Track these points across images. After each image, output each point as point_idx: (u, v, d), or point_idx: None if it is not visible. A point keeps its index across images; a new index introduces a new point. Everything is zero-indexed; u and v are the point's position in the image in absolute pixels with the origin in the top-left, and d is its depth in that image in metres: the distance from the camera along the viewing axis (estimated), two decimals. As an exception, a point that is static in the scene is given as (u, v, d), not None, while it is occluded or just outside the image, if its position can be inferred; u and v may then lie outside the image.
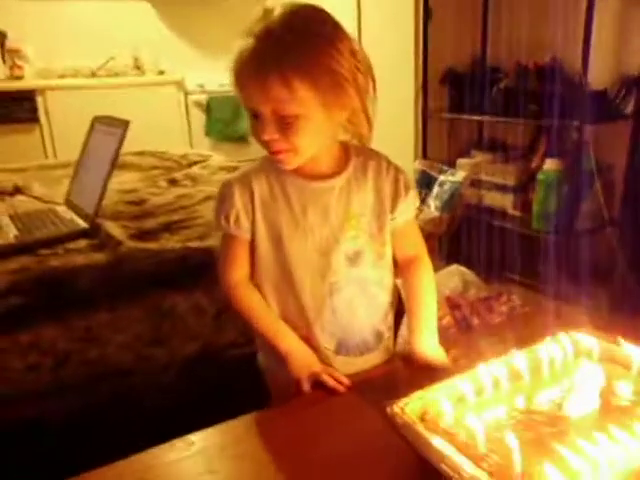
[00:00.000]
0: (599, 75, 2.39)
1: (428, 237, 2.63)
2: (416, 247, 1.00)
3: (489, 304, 2.05)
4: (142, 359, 1.32)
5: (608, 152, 2.48)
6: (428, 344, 0.94)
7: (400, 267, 1.00)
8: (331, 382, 0.88)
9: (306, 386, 0.89)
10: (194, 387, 1.34)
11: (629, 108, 2.37)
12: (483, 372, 0.78)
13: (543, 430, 0.69)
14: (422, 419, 0.73)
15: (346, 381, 0.88)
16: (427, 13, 2.73)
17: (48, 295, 1.21)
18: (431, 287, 0.99)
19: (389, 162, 0.96)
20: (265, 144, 0.83)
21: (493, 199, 2.72)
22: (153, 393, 1.32)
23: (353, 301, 0.93)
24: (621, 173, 2.44)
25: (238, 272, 0.94)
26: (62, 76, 3.65)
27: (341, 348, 0.95)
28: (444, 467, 0.62)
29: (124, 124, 1.42)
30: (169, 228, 1.47)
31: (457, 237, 2.74)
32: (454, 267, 2.21)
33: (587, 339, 0.87)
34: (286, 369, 0.90)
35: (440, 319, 1.96)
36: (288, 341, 0.91)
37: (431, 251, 1.01)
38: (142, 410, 1.26)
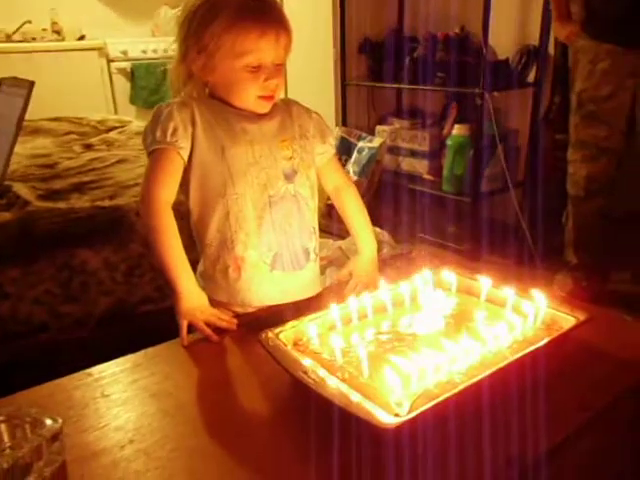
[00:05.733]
0: (502, 45, 2.54)
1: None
2: (342, 177, 1.16)
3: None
4: (56, 315, 1.36)
5: (513, 118, 2.65)
6: (367, 260, 1.12)
7: (332, 197, 1.15)
8: (223, 323, 0.96)
9: (205, 330, 0.95)
10: (110, 341, 1.39)
11: (531, 76, 2.54)
12: (352, 304, 0.89)
13: (393, 345, 0.81)
14: (295, 344, 0.83)
15: (235, 321, 0.98)
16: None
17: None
18: (360, 208, 1.14)
19: (308, 108, 1.11)
20: (265, 88, 0.97)
21: (409, 164, 2.86)
22: (69, 348, 1.37)
23: (288, 215, 1.02)
24: (526, 138, 2.62)
25: (165, 192, 0.95)
26: (-26, 40, 3.49)
27: (276, 262, 1.02)
28: (304, 377, 0.73)
29: (29, 84, 1.43)
30: (79, 189, 1.50)
31: (376, 201, 2.86)
32: (368, 227, 2.34)
33: (449, 275, 1.00)
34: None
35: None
36: (187, 283, 0.96)
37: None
38: (57, 365, 1.31)
